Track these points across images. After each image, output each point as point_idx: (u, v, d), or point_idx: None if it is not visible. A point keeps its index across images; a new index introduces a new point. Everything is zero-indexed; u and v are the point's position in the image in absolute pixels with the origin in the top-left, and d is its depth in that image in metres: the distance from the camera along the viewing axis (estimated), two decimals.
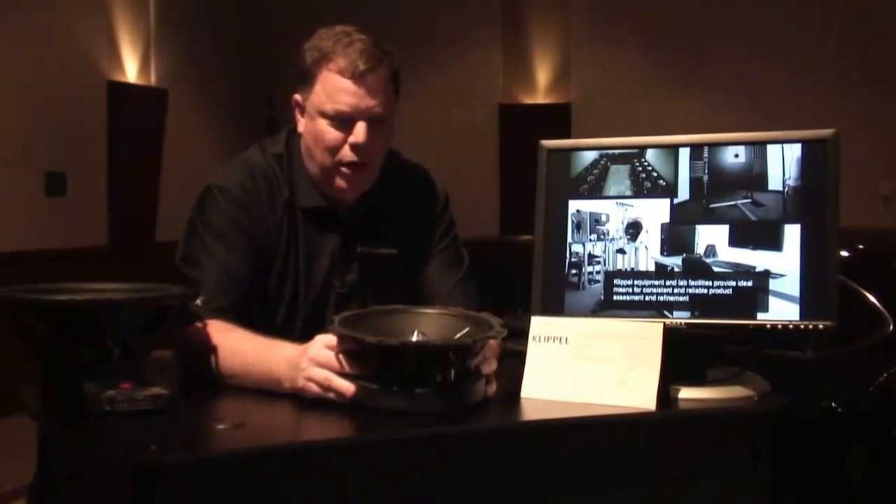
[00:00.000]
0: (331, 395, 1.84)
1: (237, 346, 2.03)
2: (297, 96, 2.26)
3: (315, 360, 1.87)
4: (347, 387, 1.83)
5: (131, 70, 8.06)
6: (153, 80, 8.34)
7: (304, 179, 2.29)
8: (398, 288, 2.31)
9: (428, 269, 2.36)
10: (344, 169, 2.22)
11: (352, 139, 2.18)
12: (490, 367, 1.93)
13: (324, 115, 2.19)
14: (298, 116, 2.28)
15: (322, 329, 2.12)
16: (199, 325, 2.07)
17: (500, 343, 1.98)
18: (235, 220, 2.22)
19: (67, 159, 7.36)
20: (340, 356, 1.84)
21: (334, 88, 2.18)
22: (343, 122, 2.18)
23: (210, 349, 2.03)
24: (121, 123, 7.81)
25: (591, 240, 2.08)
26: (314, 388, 1.86)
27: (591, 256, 2.07)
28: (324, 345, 1.88)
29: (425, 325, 1.95)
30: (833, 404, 2.51)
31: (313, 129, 2.22)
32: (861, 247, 3.08)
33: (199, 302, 2.08)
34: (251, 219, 2.23)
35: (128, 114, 7.87)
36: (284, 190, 2.27)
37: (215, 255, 2.19)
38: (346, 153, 2.20)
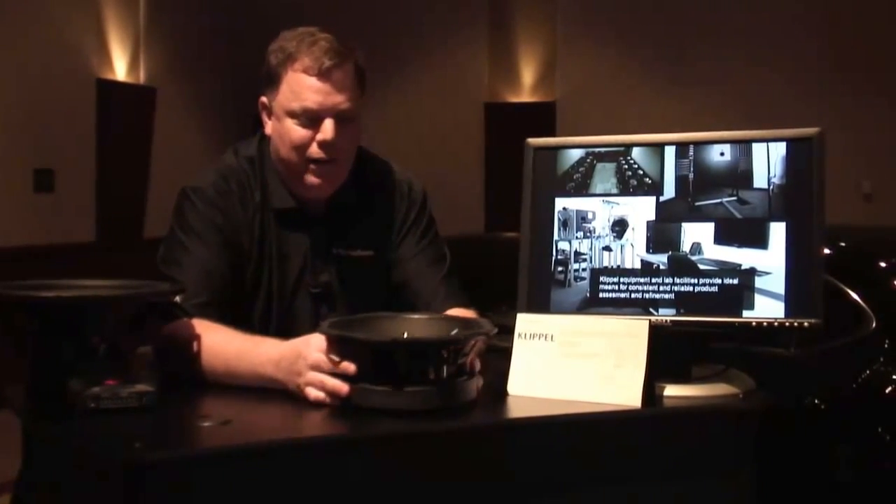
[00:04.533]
0: (327, 397, 1.84)
1: (219, 345, 2.03)
2: (264, 98, 2.28)
3: (313, 365, 1.86)
4: (340, 386, 1.83)
5: (120, 68, 8.03)
6: (142, 78, 8.31)
7: (275, 181, 2.30)
8: (376, 289, 2.32)
9: (410, 267, 2.36)
10: (313, 166, 2.22)
11: (320, 136, 2.19)
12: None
13: (291, 114, 2.20)
14: (265, 118, 2.29)
15: (296, 328, 2.12)
16: (179, 322, 2.07)
17: (484, 341, 1.98)
18: (210, 219, 2.23)
19: (56, 156, 7.33)
20: (333, 357, 1.84)
21: (301, 87, 2.19)
22: (311, 119, 2.19)
23: (191, 347, 2.02)
24: (110, 121, 7.79)
25: (577, 237, 2.09)
26: (316, 394, 1.85)
27: (577, 254, 2.08)
28: (316, 348, 1.87)
29: (415, 329, 1.94)
30: (817, 401, 2.52)
31: (280, 129, 2.23)
32: (843, 244, 3.09)
33: (178, 299, 2.07)
34: (225, 217, 2.24)
35: (117, 111, 7.84)
36: (256, 192, 2.28)
37: (193, 253, 2.20)
38: (315, 151, 2.21)
